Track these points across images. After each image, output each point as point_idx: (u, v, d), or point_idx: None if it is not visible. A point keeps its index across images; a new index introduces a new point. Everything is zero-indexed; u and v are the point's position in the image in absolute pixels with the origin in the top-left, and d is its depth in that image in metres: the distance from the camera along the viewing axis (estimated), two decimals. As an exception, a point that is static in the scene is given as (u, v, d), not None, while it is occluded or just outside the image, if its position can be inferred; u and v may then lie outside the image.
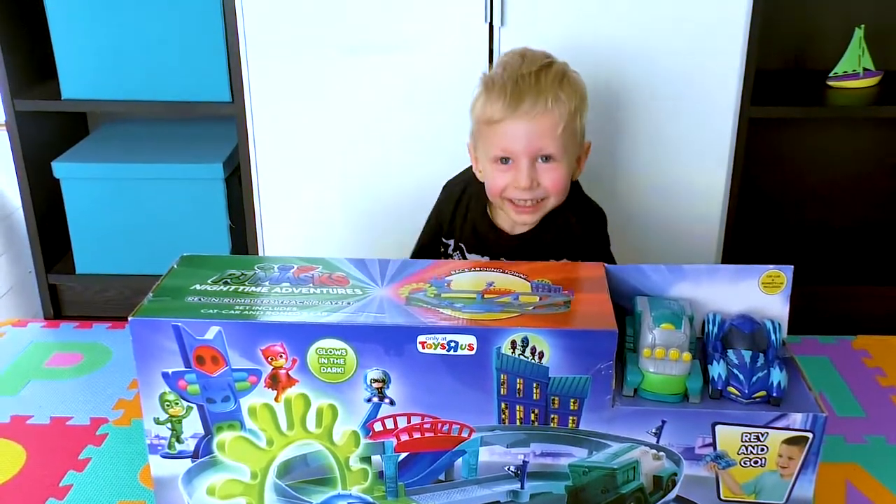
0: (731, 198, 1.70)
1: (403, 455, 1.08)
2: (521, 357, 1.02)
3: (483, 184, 1.37)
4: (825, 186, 2.10)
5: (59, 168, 1.85)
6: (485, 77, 1.33)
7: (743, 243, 1.97)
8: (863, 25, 1.83)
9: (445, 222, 1.42)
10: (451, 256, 1.42)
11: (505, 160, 1.29)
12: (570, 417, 1.05)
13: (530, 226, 1.35)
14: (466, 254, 1.40)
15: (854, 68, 1.84)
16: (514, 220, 1.34)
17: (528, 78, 1.27)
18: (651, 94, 1.64)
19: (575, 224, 1.37)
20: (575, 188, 1.38)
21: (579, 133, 1.32)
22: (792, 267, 1.12)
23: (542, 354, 1.02)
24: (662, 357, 1.04)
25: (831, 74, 1.85)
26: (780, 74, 1.93)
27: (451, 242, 1.42)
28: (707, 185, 1.70)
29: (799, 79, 1.92)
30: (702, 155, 1.68)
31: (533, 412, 1.05)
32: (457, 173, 1.47)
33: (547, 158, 1.29)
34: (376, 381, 1.05)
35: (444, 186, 1.45)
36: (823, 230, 2.12)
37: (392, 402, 1.06)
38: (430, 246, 1.45)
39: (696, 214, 1.72)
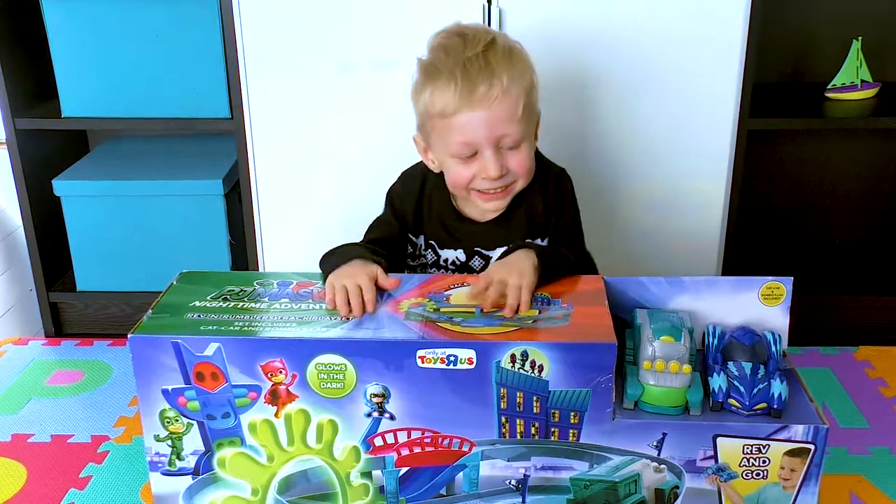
0: (730, 209, 1.70)
1: (404, 470, 1.08)
2: (521, 371, 1.02)
3: (440, 178, 1.30)
4: (824, 197, 2.09)
5: (60, 186, 1.85)
6: (424, 64, 1.23)
7: (743, 255, 1.97)
8: (860, 37, 1.83)
9: (409, 218, 1.33)
10: (422, 256, 1.35)
11: (466, 152, 1.22)
12: (571, 431, 1.05)
13: (500, 211, 1.29)
14: (439, 250, 1.33)
15: (852, 80, 1.84)
16: (483, 208, 1.28)
17: (477, 60, 1.18)
18: (649, 107, 1.64)
19: (536, 194, 1.30)
20: (536, 158, 1.30)
21: (536, 107, 1.25)
22: (791, 278, 1.12)
23: (541, 368, 1.02)
24: (662, 369, 1.04)
25: (829, 86, 1.86)
26: (778, 87, 1.94)
27: (420, 241, 1.34)
28: (707, 197, 1.70)
29: (797, 91, 1.93)
30: (701, 167, 1.68)
31: (533, 426, 1.05)
32: (414, 163, 1.37)
33: (512, 144, 1.21)
34: (376, 395, 1.05)
35: (402, 177, 1.36)
36: (823, 241, 2.12)
37: (392, 417, 1.05)
38: (392, 246, 1.32)
39: (696, 226, 1.72)
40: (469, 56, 1.18)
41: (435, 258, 1.33)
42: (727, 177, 1.68)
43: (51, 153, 1.97)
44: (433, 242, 1.33)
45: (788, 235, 2.13)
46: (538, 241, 1.32)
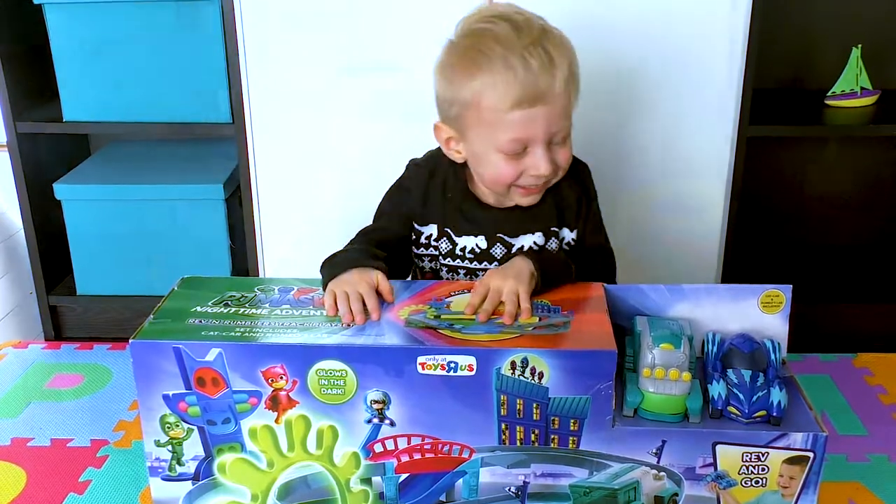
0: (730, 215, 1.71)
1: (404, 476, 1.08)
2: (521, 378, 1.02)
3: (455, 163, 1.26)
4: (824, 204, 2.10)
5: (61, 190, 1.85)
6: (465, 49, 1.16)
7: (743, 261, 1.98)
8: (860, 45, 1.84)
9: (415, 209, 1.28)
10: (433, 246, 1.29)
11: (517, 149, 1.16)
12: (571, 438, 1.05)
13: (532, 203, 1.24)
14: (455, 238, 1.26)
15: (852, 87, 1.85)
16: (518, 202, 1.24)
17: (536, 51, 1.11)
18: (649, 112, 1.65)
19: (567, 187, 1.27)
20: None
21: None
22: (791, 287, 1.12)
23: (541, 375, 1.02)
24: (662, 377, 1.04)
25: (829, 93, 1.86)
26: (777, 93, 1.94)
27: (431, 230, 1.28)
28: (707, 203, 1.71)
29: (797, 98, 1.93)
30: (701, 173, 1.69)
31: (533, 433, 1.05)
32: (424, 153, 1.34)
33: (560, 139, 1.18)
34: (376, 402, 1.05)
35: (409, 166, 1.32)
36: (823, 247, 2.12)
37: (392, 423, 1.06)
38: (395, 243, 1.27)
39: (696, 232, 1.73)
40: (526, 45, 1.11)
41: (450, 247, 1.27)
42: (727, 182, 1.69)
43: (52, 156, 1.97)
44: (448, 230, 1.26)
45: (788, 241, 2.13)
46: (566, 231, 1.28)
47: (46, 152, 1.94)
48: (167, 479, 1.11)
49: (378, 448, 1.07)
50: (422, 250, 1.31)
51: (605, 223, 1.41)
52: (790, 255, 2.10)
